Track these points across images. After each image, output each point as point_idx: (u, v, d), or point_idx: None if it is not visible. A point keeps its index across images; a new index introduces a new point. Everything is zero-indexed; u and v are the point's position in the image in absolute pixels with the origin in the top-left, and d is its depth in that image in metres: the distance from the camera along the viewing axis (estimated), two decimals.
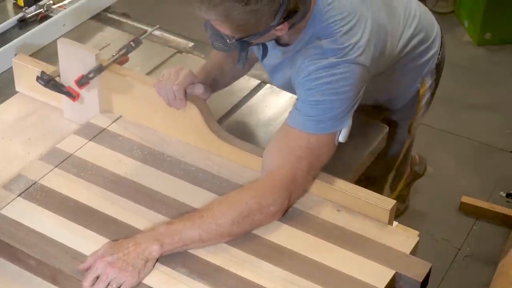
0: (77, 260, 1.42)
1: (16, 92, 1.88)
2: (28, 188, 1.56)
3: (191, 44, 2.10)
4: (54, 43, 2.00)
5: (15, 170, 1.63)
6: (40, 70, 1.74)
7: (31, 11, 2.17)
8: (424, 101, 1.93)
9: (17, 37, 2.05)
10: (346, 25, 1.50)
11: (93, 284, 1.38)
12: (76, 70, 1.71)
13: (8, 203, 1.53)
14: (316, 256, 1.46)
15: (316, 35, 1.51)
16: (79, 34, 2.09)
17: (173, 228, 1.43)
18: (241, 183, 1.59)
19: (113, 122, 1.74)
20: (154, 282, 1.39)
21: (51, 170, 1.61)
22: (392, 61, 1.70)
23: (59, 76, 1.75)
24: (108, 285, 1.37)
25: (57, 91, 1.74)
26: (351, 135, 1.57)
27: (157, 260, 1.42)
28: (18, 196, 1.55)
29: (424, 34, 1.79)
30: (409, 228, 1.57)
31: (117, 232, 1.48)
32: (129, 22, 2.21)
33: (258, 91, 1.91)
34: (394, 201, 1.55)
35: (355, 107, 1.54)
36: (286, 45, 1.58)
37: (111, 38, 2.11)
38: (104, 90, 1.74)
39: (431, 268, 1.47)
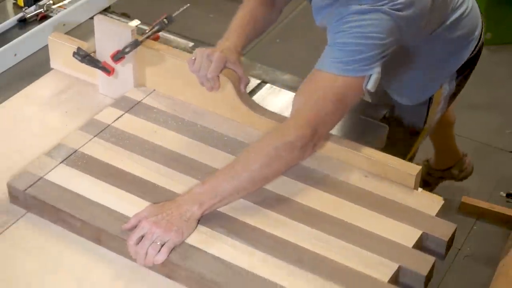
0: (120, 221, 1.49)
1: (50, 70, 1.94)
2: (69, 156, 1.63)
3: (191, 44, 2.11)
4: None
5: (54, 141, 1.69)
6: (76, 47, 1.82)
7: (31, 11, 2.17)
8: (438, 107, 1.96)
9: (17, 37, 2.05)
10: None
11: (137, 243, 1.45)
12: (111, 45, 1.78)
13: (51, 170, 1.60)
14: (346, 218, 1.53)
15: None
16: (79, 34, 2.09)
17: (208, 186, 1.50)
18: None
19: (147, 96, 1.82)
20: (194, 241, 1.46)
21: (90, 140, 1.68)
22: (424, 36, 1.73)
23: (94, 52, 1.83)
24: (152, 243, 1.45)
25: (93, 66, 1.81)
26: (348, 135, 1.60)
27: (199, 220, 1.49)
28: (60, 163, 1.62)
29: (466, 30, 1.82)
30: (433, 194, 1.64)
31: (157, 196, 1.55)
32: (129, 22, 2.19)
33: (258, 91, 1.94)
34: (419, 167, 1.62)
35: (384, 59, 1.55)
36: None
37: None
38: (138, 64, 1.81)
39: (456, 230, 1.54)
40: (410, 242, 1.49)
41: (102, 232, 1.49)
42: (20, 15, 2.16)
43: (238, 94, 1.73)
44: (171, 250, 1.44)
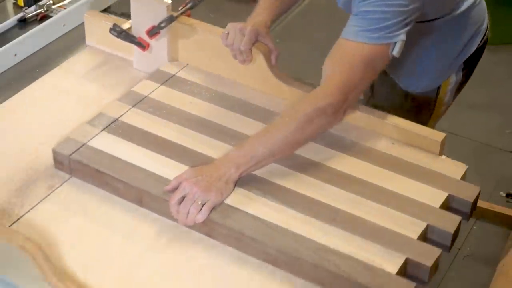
0: (161, 183, 1.57)
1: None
2: (110, 124, 1.71)
3: None
4: None
5: (93, 112, 1.77)
6: (112, 23, 1.90)
7: (31, 11, 2.18)
8: (445, 99, 2.00)
9: (17, 37, 2.05)
10: None
11: (179, 203, 1.53)
12: (147, 21, 1.86)
13: (94, 137, 1.68)
14: (376, 181, 1.61)
15: None
16: (79, 34, 2.11)
17: (244, 149, 1.58)
18: None
19: (180, 70, 1.90)
20: (233, 202, 1.54)
21: (129, 109, 1.76)
22: (442, 12, 1.79)
23: (129, 28, 1.91)
24: (193, 203, 1.52)
25: (129, 41, 1.89)
26: None
27: (236, 183, 1.57)
28: (101, 130, 1.70)
29: (476, 20, 1.88)
30: (456, 161, 1.72)
31: (194, 160, 1.63)
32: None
33: None
34: (444, 134, 1.70)
35: (409, 26, 1.61)
36: None
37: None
38: (172, 39, 1.89)
39: (479, 193, 1.62)
40: (437, 203, 1.57)
41: (144, 193, 1.57)
42: (20, 15, 2.17)
43: (269, 66, 1.81)
44: (211, 210, 1.52)
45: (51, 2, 2.21)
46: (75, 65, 1.97)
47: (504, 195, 2.64)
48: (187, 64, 1.91)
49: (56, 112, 1.81)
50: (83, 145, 1.65)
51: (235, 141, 1.68)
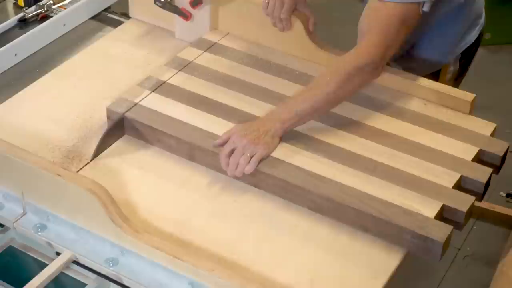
0: (211, 138, 1.67)
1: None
2: (159, 86, 1.82)
3: None
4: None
5: (141, 76, 1.88)
6: None
7: (31, 11, 2.19)
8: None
9: (17, 37, 2.05)
10: None
11: (229, 156, 1.63)
12: None
13: (145, 97, 1.78)
14: (410, 137, 1.71)
15: None
16: (79, 34, 2.14)
17: (288, 106, 1.69)
18: None
19: (222, 38, 2.00)
20: (278, 155, 1.64)
21: (175, 73, 1.87)
22: None
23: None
24: (243, 155, 1.62)
25: (172, 12, 2.00)
26: None
27: (281, 138, 1.67)
28: (152, 91, 1.80)
29: (477, 12, 1.99)
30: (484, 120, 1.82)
31: (241, 119, 1.73)
32: None
33: None
34: (474, 95, 1.81)
35: None
36: None
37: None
38: (213, 9, 2.00)
39: (508, 148, 1.73)
40: (469, 156, 1.68)
41: (195, 148, 1.67)
42: (20, 15, 2.18)
43: (307, 33, 1.92)
44: (259, 162, 1.63)
45: (51, 2, 2.23)
46: (120, 36, 2.08)
47: (504, 195, 2.69)
48: (228, 33, 2.02)
49: (106, 76, 1.92)
50: (135, 105, 1.76)
51: (277, 101, 1.78)
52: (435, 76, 2.03)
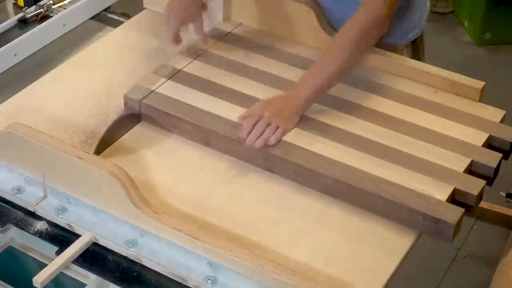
0: (227, 125, 1.71)
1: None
2: (175, 74, 1.86)
3: None
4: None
5: (156, 65, 1.91)
6: None
7: (31, 11, 2.19)
8: None
9: (17, 37, 2.05)
10: None
11: (252, 126, 1.67)
12: None
13: (161, 84, 1.82)
14: (422, 123, 1.75)
15: None
16: (79, 34, 2.15)
17: (306, 83, 1.74)
18: (350, 71, 1.89)
19: (235, 28, 2.04)
20: (293, 140, 1.68)
21: (190, 62, 1.90)
22: None
23: None
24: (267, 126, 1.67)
25: None
26: None
27: (303, 113, 1.73)
28: (168, 79, 1.84)
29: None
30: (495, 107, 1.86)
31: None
32: None
33: None
34: (483, 82, 1.85)
35: None
36: None
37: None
38: (226, 0, 2.04)
39: None
40: (479, 142, 1.71)
41: (212, 133, 1.71)
42: (20, 15, 2.18)
43: (320, 24, 1.95)
44: (278, 141, 1.67)
45: (51, 2, 2.23)
46: (135, 25, 2.12)
47: (504, 195, 2.72)
48: (241, 22, 2.06)
49: (123, 64, 1.96)
50: (151, 92, 1.80)
51: (289, 88, 1.80)
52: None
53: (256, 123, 1.67)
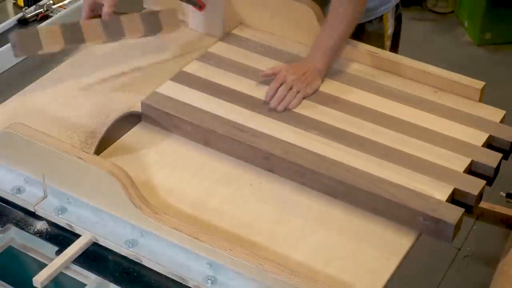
0: (227, 125, 1.71)
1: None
2: (176, 75, 1.86)
3: None
4: None
5: (155, 63, 1.91)
6: None
7: (31, 11, 2.19)
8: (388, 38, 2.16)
9: None
10: None
11: (276, 90, 1.77)
12: None
13: (161, 85, 1.82)
14: (422, 123, 1.75)
15: None
16: None
17: (321, 47, 1.84)
18: (349, 71, 1.91)
19: (235, 28, 2.04)
20: (293, 140, 1.68)
21: (190, 62, 1.91)
22: None
23: None
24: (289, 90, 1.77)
25: (186, 2, 2.03)
26: None
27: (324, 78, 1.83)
28: (168, 79, 1.84)
29: None
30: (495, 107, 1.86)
31: (254, 105, 1.77)
32: None
33: None
34: (483, 83, 1.85)
35: None
36: None
37: None
38: (227, 0, 2.04)
39: None
40: (480, 142, 1.72)
41: (211, 133, 1.71)
42: (20, 15, 2.17)
43: (319, 23, 1.95)
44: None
45: (51, 2, 2.23)
46: None
47: (504, 195, 2.73)
48: (241, 23, 2.06)
49: (122, 59, 1.96)
50: (151, 92, 1.80)
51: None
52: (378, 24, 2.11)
53: (279, 87, 1.76)
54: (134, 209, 1.47)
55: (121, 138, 1.75)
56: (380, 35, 2.12)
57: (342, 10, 1.83)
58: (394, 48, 2.16)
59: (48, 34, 1.78)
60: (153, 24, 1.90)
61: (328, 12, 1.86)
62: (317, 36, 1.87)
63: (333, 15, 1.85)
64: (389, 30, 2.13)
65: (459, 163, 1.65)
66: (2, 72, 2.00)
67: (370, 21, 2.08)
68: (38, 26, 1.95)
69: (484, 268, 2.53)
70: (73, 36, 1.80)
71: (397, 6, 2.13)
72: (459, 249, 2.63)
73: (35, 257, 1.56)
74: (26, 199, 1.59)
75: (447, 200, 1.57)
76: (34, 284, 1.43)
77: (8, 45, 1.97)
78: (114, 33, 1.85)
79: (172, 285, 1.46)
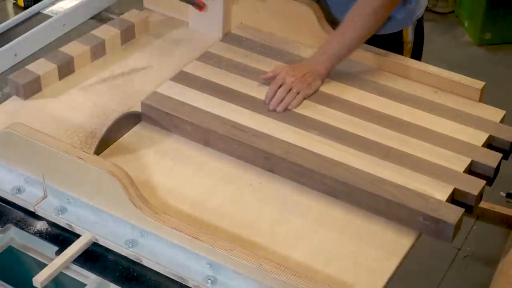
0: (227, 125, 1.71)
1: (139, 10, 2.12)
2: (175, 74, 1.86)
3: None
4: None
5: (155, 63, 1.91)
6: None
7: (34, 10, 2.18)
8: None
9: (17, 37, 2.04)
10: None
11: (276, 90, 1.77)
12: None
13: (161, 84, 1.82)
14: (422, 123, 1.75)
15: None
16: (79, 34, 2.10)
17: (326, 52, 1.84)
18: (349, 71, 1.90)
19: (235, 28, 2.04)
20: (293, 140, 1.68)
21: (190, 62, 1.91)
22: None
23: None
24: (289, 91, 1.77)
25: (186, 2, 2.03)
26: None
27: (323, 80, 1.83)
28: (168, 79, 1.84)
29: None
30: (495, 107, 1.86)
31: (254, 105, 1.77)
32: None
33: None
34: (483, 83, 1.85)
35: None
36: None
37: None
38: (227, 0, 2.04)
39: None
40: (479, 142, 1.72)
41: (211, 133, 1.71)
42: (20, 15, 2.15)
43: (319, 22, 1.95)
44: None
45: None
46: None
47: (504, 195, 2.73)
48: (241, 23, 2.06)
49: (123, 58, 1.97)
50: (151, 92, 1.80)
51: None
52: (396, 40, 2.06)
53: (278, 88, 1.76)
54: (134, 209, 1.47)
55: (121, 138, 1.75)
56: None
57: (360, 23, 1.83)
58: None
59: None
60: None
61: (344, 20, 1.85)
62: (326, 40, 1.87)
63: (349, 24, 1.84)
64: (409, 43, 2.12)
65: (459, 163, 1.65)
66: (2, 72, 1.99)
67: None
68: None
69: (484, 268, 2.53)
70: None
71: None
72: (459, 249, 2.63)
73: (35, 257, 1.56)
74: (26, 199, 1.59)
75: (447, 200, 1.57)
76: (34, 284, 1.43)
77: (8, 45, 2.02)
78: None
79: (172, 285, 1.46)
